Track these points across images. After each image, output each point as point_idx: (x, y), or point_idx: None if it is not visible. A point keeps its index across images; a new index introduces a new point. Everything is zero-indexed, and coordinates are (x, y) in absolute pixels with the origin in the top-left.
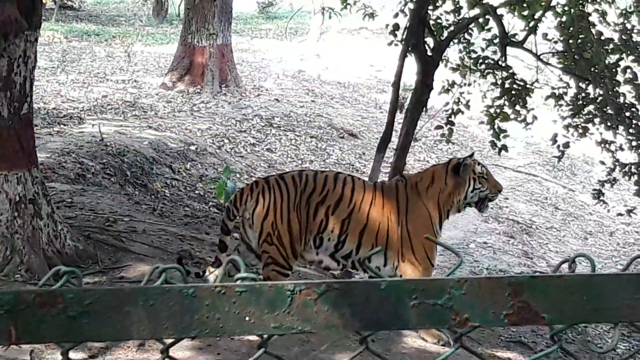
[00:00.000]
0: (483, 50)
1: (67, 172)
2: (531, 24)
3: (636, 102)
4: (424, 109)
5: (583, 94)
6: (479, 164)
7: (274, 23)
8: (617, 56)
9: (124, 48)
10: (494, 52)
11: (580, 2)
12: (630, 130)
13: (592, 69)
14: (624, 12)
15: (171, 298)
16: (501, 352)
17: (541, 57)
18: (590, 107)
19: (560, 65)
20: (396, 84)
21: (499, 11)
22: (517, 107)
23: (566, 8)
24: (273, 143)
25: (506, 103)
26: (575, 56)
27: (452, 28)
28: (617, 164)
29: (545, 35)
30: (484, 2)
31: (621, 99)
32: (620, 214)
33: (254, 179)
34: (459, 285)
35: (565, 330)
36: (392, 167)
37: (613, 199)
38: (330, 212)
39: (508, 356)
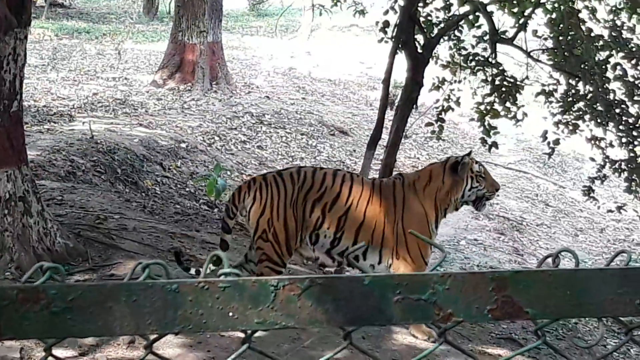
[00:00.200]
0: (473, 47)
1: (58, 170)
2: (521, 21)
3: (626, 99)
4: (414, 106)
5: (573, 91)
6: (476, 162)
7: (265, 20)
8: (607, 53)
9: (115, 46)
10: (484, 49)
11: None
12: (620, 127)
13: (582, 66)
14: (613, 8)
15: (154, 294)
16: (491, 349)
17: (531, 54)
18: (581, 104)
19: (550, 62)
20: (386, 81)
21: (489, 8)
22: (508, 104)
23: (556, 5)
24: (264, 140)
25: (496, 100)
26: (565, 53)
27: (442, 25)
28: (607, 160)
29: (535, 32)
30: None
31: (611, 96)
32: (610, 211)
33: (244, 176)
34: (442, 280)
35: (553, 326)
36: (382, 164)
37: (603, 196)
38: (327, 209)
39: (498, 353)
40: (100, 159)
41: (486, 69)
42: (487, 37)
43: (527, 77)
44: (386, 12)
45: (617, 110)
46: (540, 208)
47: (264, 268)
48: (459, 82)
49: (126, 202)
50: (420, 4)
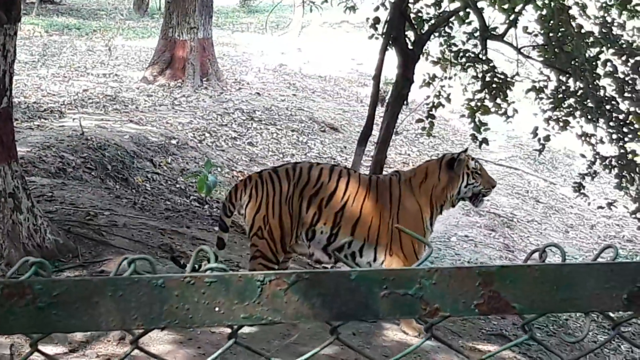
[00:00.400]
0: (464, 43)
1: (48, 166)
2: (511, 17)
3: (616, 95)
4: (405, 102)
5: (563, 87)
6: (472, 159)
7: (255, 17)
8: (598, 49)
9: (105, 42)
10: (475, 46)
11: None
12: (611, 124)
13: (573, 62)
14: (604, 5)
15: (140, 288)
16: (482, 345)
17: (522, 50)
18: (571, 101)
19: (541, 59)
20: (377, 78)
21: (480, 4)
22: (498, 101)
23: (546, 1)
24: (254, 137)
25: (487, 96)
26: (556, 49)
27: (432, 21)
28: (597, 157)
29: (525, 29)
30: None
31: (601, 92)
32: (600, 207)
33: (235, 173)
34: (429, 275)
35: (544, 322)
36: (373, 160)
37: (594, 192)
38: (324, 204)
39: (489, 349)
40: (91, 155)
41: (477, 65)
42: (477, 34)
43: (517, 74)
44: (377, 9)
45: (608, 107)
46: (530, 204)
47: (257, 264)
48: (450, 78)
49: (116, 198)
50: (411, 0)
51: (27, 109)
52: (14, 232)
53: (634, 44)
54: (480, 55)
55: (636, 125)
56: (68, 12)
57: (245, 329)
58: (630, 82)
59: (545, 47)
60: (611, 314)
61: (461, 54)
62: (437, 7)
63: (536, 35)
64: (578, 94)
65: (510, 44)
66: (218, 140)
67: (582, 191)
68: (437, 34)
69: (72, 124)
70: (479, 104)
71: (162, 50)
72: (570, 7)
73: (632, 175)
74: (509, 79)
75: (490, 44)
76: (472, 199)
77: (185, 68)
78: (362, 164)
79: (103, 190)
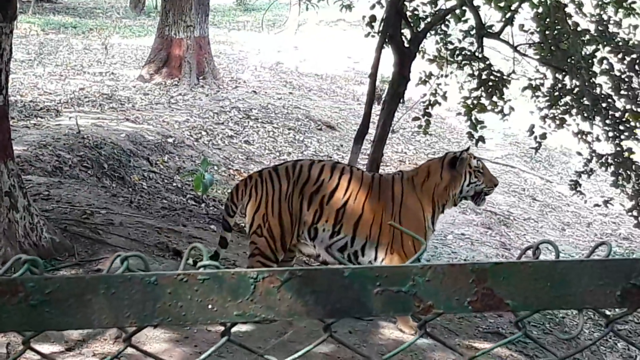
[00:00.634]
0: (460, 41)
1: (44, 165)
2: (508, 15)
3: (613, 93)
4: (401, 100)
5: (560, 85)
6: (475, 157)
7: (252, 15)
8: (594, 47)
9: (101, 40)
10: (471, 44)
11: None
12: (607, 121)
13: (569, 60)
14: (600, 3)
15: (133, 286)
16: (478, 343)
17: (518, 48)
18: (567, 98)
19: (537, 57)
20: (373, 76)
21: (476, 2)
22: (494, 99)
23: None
24: (251, 135)
25: (483, 94)
26: (552, 47)
27: (428, 19)
28: (594, 154)
29: (521, 27)
30: None
31: (598, 90)
32: (597, 205)
33: (231, 171)
34: (422, 272)
35: (540, 320)
36: (369, 158)
37: (590, 190)
38: (325, 202)
39: (485, 347)
40: (87, 154)
41: (473, 63)
42: (473, 32)
43: (513, 72)
44: (373, 7)
45: (604, 105)
46: (527, 202)
47: (255, 262)
48: (446, 76)
49: (113, 197)
50: None
51: (24, 108)
52: (10, 230)
53: (630, 42)
54: (477, 53)
55: (632, 123)
56: (64, 10)
57: (242, 327)
58: (626, 79)
59: (542, 45)
60: (605, 311)
61: (457, 52)
62: (433, 5)
63: (532, 33)
64: (574, 91)
65: (507, 42)
66: (214, 139)
67: (578, 189)
68: (433, 32)
69: (68, 122)
70: (475, 102)
71: (158, 49)
72: (566, 5)
73: (629, 172)
74: (505, 77)
75: (486, 42)
76: (474, 198)
77: (181, 66)
78: (359, 162)
79: (99, 189)
